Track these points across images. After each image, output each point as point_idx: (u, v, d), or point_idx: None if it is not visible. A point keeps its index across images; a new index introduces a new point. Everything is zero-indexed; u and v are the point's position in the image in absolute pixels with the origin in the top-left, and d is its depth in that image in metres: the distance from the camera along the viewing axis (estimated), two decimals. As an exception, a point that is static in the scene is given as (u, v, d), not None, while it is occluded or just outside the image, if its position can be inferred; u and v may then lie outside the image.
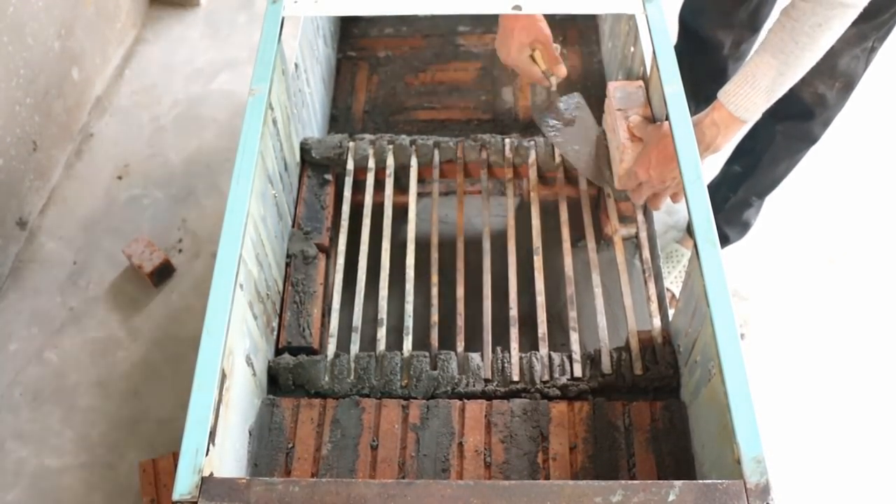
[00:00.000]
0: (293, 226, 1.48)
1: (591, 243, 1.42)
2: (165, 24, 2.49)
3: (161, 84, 2.33)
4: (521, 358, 1.28)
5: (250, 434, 1.18)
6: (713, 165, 1.92)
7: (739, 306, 1.84)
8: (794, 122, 1.60)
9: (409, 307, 1.35)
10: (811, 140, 1.63)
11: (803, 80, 1.49)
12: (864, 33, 1.38)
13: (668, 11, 1.37)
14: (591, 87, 1.82)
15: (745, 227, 1.85)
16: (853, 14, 1.09)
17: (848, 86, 1.49)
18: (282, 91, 1.38)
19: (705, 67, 1.72)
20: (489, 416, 1.21)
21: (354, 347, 1.30)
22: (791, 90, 1.53)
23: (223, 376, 1.01)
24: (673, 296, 1.81)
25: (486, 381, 1.26)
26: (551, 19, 1.99)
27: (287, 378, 1.27)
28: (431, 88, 1.91)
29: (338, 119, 1.87)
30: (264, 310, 1.26)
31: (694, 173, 1.14)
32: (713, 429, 1.05)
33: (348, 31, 2.03)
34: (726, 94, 1.20)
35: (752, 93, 1.17)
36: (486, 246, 1.42)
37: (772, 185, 1.77)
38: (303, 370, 1.27)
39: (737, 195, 1.81)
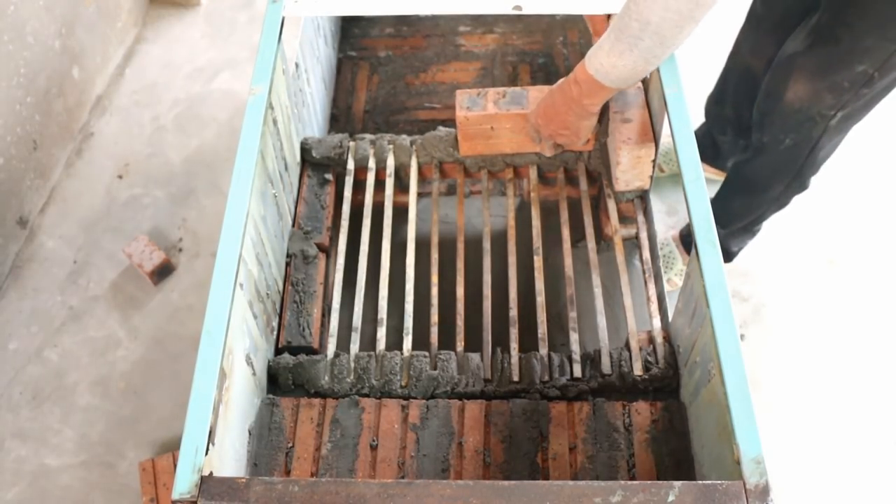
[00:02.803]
0: (293, 225, 1.48)
1: (591, 243, 1.41)
2: (166, 24, 2.49)
3: (161, 83, 2.33)
4: (520, 358, 1.28)
5: (250, 433, 1.18)
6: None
7: (739, 307, 1.84)
8: (740, 158, 1.60)
9: (409, 307, 1.35)
10: (761, 189, 1.60)
11: (754, 124, 1.49)
12: (819, 94, 1.32)
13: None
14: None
15: (726, 254, 1.83)
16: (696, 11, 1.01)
17: (799, 146, 1.44)
18: (282, 91, 1.38)
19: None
20: (489, 417, 1.21)
21: (354, 347, 1.30)
22: (744, 129, 1.54)
23: (223, 376, 1.01)
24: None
25: (486, 381, 1.26)
26: (552, 19, 2.01)
27: (287, 378, 1.27)
28: (432, 88, 1.91)
29: (338, 119, 1.87)
30: (264, 309, 1.26)
31: (694, 173, 1.14)
32: (713, 429, 1.05)
33: (349, 30, 2.03)
34: (590, 52, 1.17)
35: (598, 52, 1.13)
36: (487, 246, 1.42)
37: (729, 219, 1.73)
38: (303, 370, 1.27)
39: None
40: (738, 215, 1.72)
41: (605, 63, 1.13)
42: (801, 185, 1.57)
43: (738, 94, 1.74)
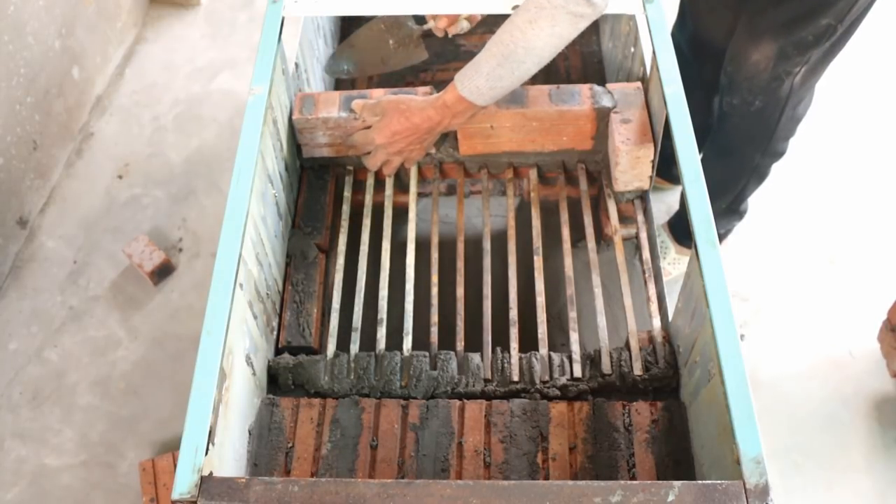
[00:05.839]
0: (293, 225, 1.48)
1: (591, 243, 1.41)
2: (166, 24, 2.49)
3: (161, 83, 2.33)
4: (520, 358, 1.28)
5: (250, 433, 1.18)
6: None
7: (739, 307, 1.84)
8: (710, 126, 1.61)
9: (409, 307, 1.35)
10: (736, 155, 1.60)
11: (726, 89, 1.50)
12: (786, 53, 1.35)
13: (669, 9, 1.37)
14: (592, 87, 1.82)
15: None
16: (564, 17, 1.09)
17: (767, 106, 1.47)
18: (282, 91, 1.38)
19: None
20: (489, 416, 1.21)
21: (354, 347, 1.30)
22: (712, 98, 1.55)
23: (223, 376, 1.01)
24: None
25: (486, 381, 1.26)
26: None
27: (287, 378, 1.27)
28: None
29: (338, 119, 1.86)
30: (264, 309, 1.26)
31: (694, 173, 1.14)
32: (713, 429, 1.05)
33: (349, 30, 2.02)
34: (458, 75, 1.24)
35: (475, 77, 1.20)
36: (487, 246, 1.42)
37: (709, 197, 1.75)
38: (302, 370, 1.27)
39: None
40: (718, 192, 1.71)
41: (482, 86, 1.20)
42: (775, 151, 1.58)
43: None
